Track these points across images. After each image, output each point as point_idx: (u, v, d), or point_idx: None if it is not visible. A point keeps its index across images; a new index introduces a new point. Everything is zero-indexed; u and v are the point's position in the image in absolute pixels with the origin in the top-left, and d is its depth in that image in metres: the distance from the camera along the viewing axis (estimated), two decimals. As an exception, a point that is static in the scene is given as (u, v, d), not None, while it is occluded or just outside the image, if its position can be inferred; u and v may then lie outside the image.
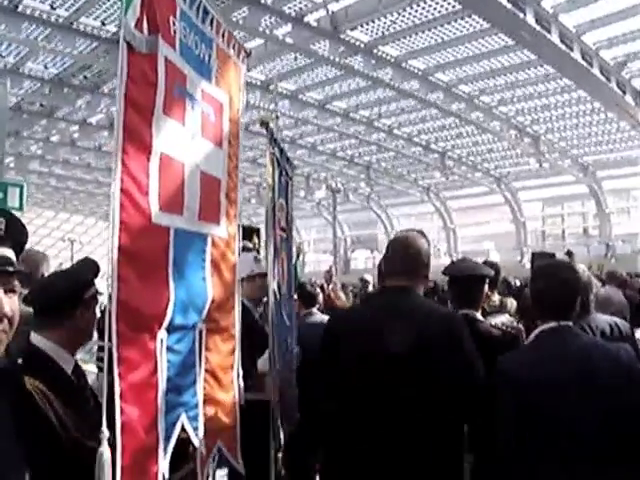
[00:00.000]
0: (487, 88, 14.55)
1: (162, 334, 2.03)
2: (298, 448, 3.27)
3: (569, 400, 2.25)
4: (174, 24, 2.12)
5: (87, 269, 2.12)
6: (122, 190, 1.80)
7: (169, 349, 2.09)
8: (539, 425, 2.27)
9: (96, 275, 2.11)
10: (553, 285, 2.54)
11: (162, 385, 2.02)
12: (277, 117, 3.12)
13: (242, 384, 2.70)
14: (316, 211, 29.23)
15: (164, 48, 2.03)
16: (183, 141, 2.19)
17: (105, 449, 1.69)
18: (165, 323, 2.03)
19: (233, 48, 2.70)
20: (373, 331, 2.43)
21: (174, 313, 2.07)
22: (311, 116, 16.78)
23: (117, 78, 1.81)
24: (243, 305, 2.86)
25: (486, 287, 3.32)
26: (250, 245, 4.47)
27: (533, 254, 8.53)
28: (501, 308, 4.71)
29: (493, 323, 3.63)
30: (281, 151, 2.98)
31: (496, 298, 4.78)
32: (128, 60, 1.83)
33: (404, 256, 2.58)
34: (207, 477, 2.54)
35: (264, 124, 2.68)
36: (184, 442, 2.35)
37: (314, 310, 4.75)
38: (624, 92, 13.18)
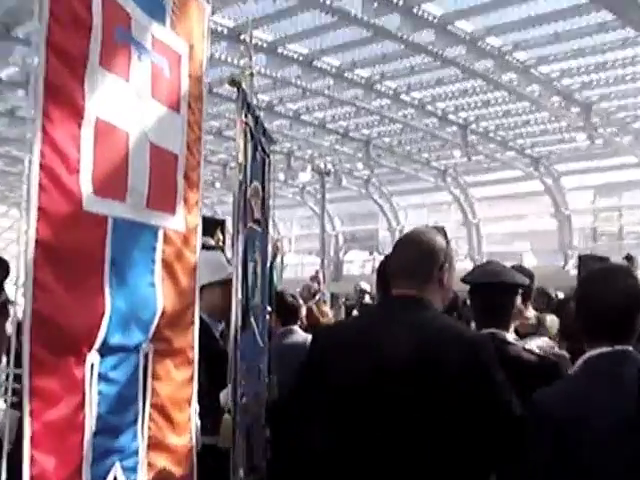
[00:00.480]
0: (523, 42, 14.53)
1: (93, 357, 2.00)
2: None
3: (623, 451, 2.25)
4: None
5: None
6: (42, 167, 1.76)
7: (102, 377, 2.05)
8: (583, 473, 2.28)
9: (4, 279, 2.07)
10: (607, 298, 2.54)
11: (91, 425, 1.99)
12: (252, 75, 3.07)
13: (199, 424, 2.68)
14: (299, 199, 29.18)
15: (100, -22, 1.99)
16: (127, 103, 2.15)
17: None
18: (97, 343, 2.00)
19: (193, -20, 2.67)
20: (368, 357, 2.42)
21: (110, 330, 2.04)
22: (294, 76, 16.71)
23: (35, 18, 1.77)
24: (201, 321, 2.83)
25: (519, 300, 3.32)
26: (212, 242, 4.42)
27: (580, 258, 8.56)
28: (538, 328, 4.71)
29: (527, 347, 3.65)
30: (256, 120, 2.94)
31: (531, 315, 4.78)
32: (51, -6, 1.79)
33: (415, 257, 2.56)
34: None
35: (235, 84, 2.64)
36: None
37: (295, 328, 4.75)
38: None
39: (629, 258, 5.35)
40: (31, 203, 1.73)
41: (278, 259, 7.29)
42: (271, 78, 16.78)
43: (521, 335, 4.12)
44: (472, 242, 28.05)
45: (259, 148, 3.01)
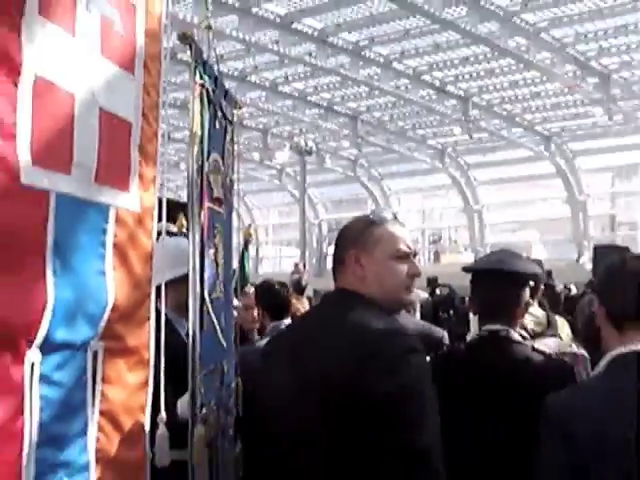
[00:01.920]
0: (533, 1, 14.62)
1: (34, 355, 1.95)
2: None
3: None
4: None
5: None
6: (-29, 132, 1.73)
7: (44, 379, 2.01)
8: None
9: None
10: (629, 291, 2.54)
11: (31, 434, 1.96)
12: (209, 27, 3.01)
13: (167, 435, 2.65)
14: (277, 183, 29.19)
15: None
16: (72, 60, 2.11)
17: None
18: (38, 339, 1.96)
19: None
20: (295, 363, 2.50)
21: (53, 324, 2.00)
22: (270, 40, 16.68)
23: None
24: (166, 318, 2.80)
25: (527, 293, 3.32)
26: (174, 228, 4.36)
27: (596, 249, 8.61)
28: (549, 327, 4.71)
29: (537, 346, 3.66)
30: (215, 81, 2.90)
31: (540, 313, 4.77)
32: None
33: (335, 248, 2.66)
34: None
35: (186, 38, 2.60)
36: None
37: (286, 322, 4.75)
38: None
39: (624, 249, 5.31)
40: (-43, 174, 1.70)
41: (250, 248, 7.27)
42: (243, 42, 16.73)
43: (531, 336, 4.14)
44: (474, 231, 28.23)
45: (219, 114, 2.96)
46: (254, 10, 14.94)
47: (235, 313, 4.29)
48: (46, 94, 1.97)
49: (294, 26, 15.72)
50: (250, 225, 9.75)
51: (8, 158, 1.83)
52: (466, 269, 3.41)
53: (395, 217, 2.79)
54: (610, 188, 27.69)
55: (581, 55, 16.97)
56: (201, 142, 2.68)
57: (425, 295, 11.69)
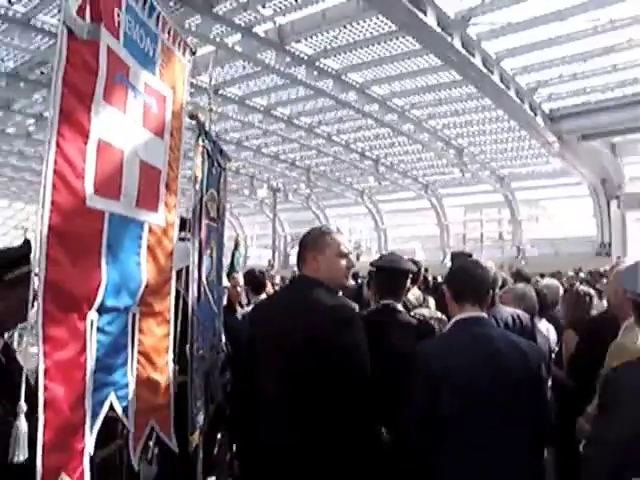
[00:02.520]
0: (418, 103, 14.77)
1: (92, 315, 1.91)
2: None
3: (477, 383, 2.26)
4: (119, 15, 2.00)
5: (14, 250, 1.98)
6: (55, 172, 1.67)
7: (100, 330, 1.96)
8: (449, 407, 2.26)
9: (26, 255, 1.97)
10: (468, 280, 2.56)
11: (91, 364, 1.90)
12: (211, 110, 2.98)
13: (176, 367, 2.59)
14: (259, 209, 29.01)
15: (107, 37, 1.90)
16: (123, 129, 2.07)
17: (21, 423, 1.59)
18: (96, 305, 1.91)
19: (178, 45, 2.58)
20: (274, 321, 2.43)
21: (105, 295, 1.95)
22: (256, 120, 16.61)
23: (55, 61, 1.68)
24: (179, 293, 2.76)
25: (408, 281, 3.31)
26: (189, 236, 4.30)
27: (452, 254, 8.66)
28: (423, 303, 4.74)
29: (415, 314, 3.66)
30: (214, 143, 2.85)
31: (418, 293, 4.81)
32: (68, 45, 1.70)
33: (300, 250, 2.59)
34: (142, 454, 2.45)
35: (193, 117, 2.56)
36: (113, 420, 2.24)
37: (262, 297, 4.71)
38: (535, 114, 13.67)
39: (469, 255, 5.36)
40: (45, 197, 1.64)
41: (239, 249, 7.21)
42: (240, 122, 16.68)
43: (412, 307, 4.13)
44: (381, 242, 28.34)
45: (215, 164, 2.90)
46: (246, 101, 14.87)
47: (225, 290, 4.24)
48: (105, 150, 1.93)
49: (271, 112, 15.72)
50: (238, 235, 9.62)
51: (78, 189, 1.79)
52: (372, 264, 3.39)
53: (338, 230, 2.80)
54: (463, 217, 28.01)
55: (446, 136, 17.21)
56: (201, 182, 2.64)
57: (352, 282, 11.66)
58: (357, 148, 19.38)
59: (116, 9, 1.96)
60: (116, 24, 1.96)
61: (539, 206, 25.37)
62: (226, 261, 5.06)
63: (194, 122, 2.58)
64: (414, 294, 4.62)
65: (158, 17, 2.31)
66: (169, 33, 2.44)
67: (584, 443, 2.37)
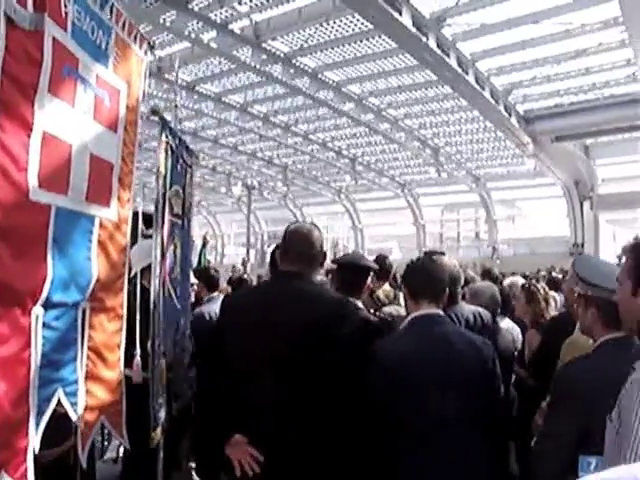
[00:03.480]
0: (394, 102, 14.81)
1: (38, 310, 1.88)
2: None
3: (430, 378, 2.28)
4: (66, 6, 1.97)
5: None
6: (-5, 164, 1.65)
7: (46, 325, 1.94)
8: (403, 404, 2.28)
9: None
10: (424, 277, 2.58)
11: (36, 360, 1.88)
12: (176, 106, 2.96)
13: (140, 362, 2.57)
14: (236, 207, 28.86)
15: (52, 28, 1.87)
16: (71, 122, 2.04)
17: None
18: (41, 300, 1.88)
19: (134, 38, 2.55)
20: (262, 314, 2.37)
21: (52, 290, 1.93)
22: (233, 118, 16.52)
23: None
24: (144, 288, 2.74)
25: (369, 279, 3.31)
26: (151, 232, 4.27)
27: (425, 253, 8.73)
28: (394, 299, 4.75)
29: (384, 312, 3.67)
30: (179, 140, 2.83)
31: (389, 289, 4.81)
32: (7, 34, 1.67)
33: (303, 245, 2.50)
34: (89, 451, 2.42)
35: (156, 113, 2.54)
36: (67, 418, 2.22)
37: (215, 294, 4.64)
38: (510, 115, 13.81)
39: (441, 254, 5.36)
40: (-16, 192, 1.62)
41: (207, 246, 7.20)
42: (216, 119, 16.58)
43: (383, 304, 4.13)
44: (358, 241, 28.39)
45: (180, 161, 2.88)
46: (223, 98, 14.78)
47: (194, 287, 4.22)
48: (50, 143, 1.90)
49: (248, 110, 15.61)
50: (207, 232, 9.56)
51: (21, 183, 1.77)
52: (333, 262, 3.40)
53: (316, 226, 2.77)
54: (440, 217, 28.18)
55: (422, 136, 17.31)
56: (164, 178, 2.62)
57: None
58: (334, 147, 19.38)
59: (62, -1, 1.93)
60: (63, 14, 1.93)
61: (515, 206, 25.66)
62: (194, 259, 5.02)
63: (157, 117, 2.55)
64: (384, 290, 4.63)
65: (112, 9, 2.28)
66: (124, 26, 2.41)
67: (535, 439, 2.40)
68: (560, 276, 7.35)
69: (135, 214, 2.67)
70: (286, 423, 2.23)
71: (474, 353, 2.37)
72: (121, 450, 4.68)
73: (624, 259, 1.65)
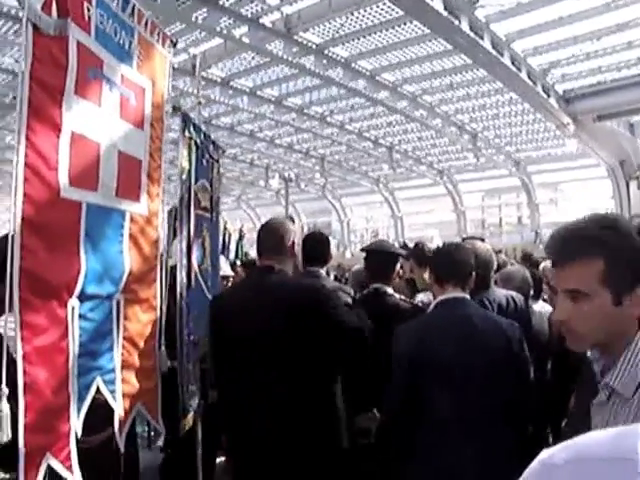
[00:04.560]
0: (429, 88, 14.60)
1: (73, 302, 1.98)
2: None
3: (454, 362, 2.30)
4: (89, 10, 2.05)
5: None
6: (26, 164, 1.74)
7: (82, 317, 2.04)
8: (426, 387, 2.30)
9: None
10: (448, 262, 2.59)
11: (74, 349, 1.98)
12: (200, 103, 3.03)
13: (164, 352, 2.66)
14: (275, 200, 29.05)
15: (76, 32, 1.96)
16: (98, 121, 2.13)
17: (3, 405, 1.66)
18: (76, 292, 1.98)
19: (157, 36, 2.63)
20: (243, 308, 2.47)
21: (86, 283, 2.02)
22: (268, 111, 16.60)
23: (22, 58, 1.74)
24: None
25: (398, 265, 3.33)
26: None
27: (463, 239, 8.63)
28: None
29: (417, 299, 3.67)
30: (204, 134, 2.89)
31: (427, 276, 4.79)
32: (34, 41, 1.76)
33: (271, 239, 2.61)
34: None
35: (176, 109, 2.61)
36: (107, 406, 2.32)
37: None
38: (548, 95, 13.43)
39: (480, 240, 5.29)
40: (17, 189, 1.71)
41: (243, 239, 7.29)
42: (252, 113, 16.70)
43: (419, 290, 4.13)
44: (397, 230, 28.19)
45: (206, 155, 2.94)
46: (257, 93, 14.86)
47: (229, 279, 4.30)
48: (79, 143, 1.99)
49: (283, 102, 15.65)
50: (242, 225, 9.69)
51: (51, 181, 1.86)
52: (362, 250, 3.43)
53: (292, 219, 2.88)
54: (480, 203, 27.74)
55: (459, 121, 17.03)
56: (189, 172, 2.69)
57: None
58: (370, 136, 19.25)
59: (85, 3, 2.01)
60: (86, 18, 2.01)
61: (557, 189, 25.05)
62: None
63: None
64: (424, 277, 4.62)
65: (133, 10, 2.36)
66: (146, 25, 2.48)
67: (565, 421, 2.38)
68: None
69: (174, 210, 2.76)
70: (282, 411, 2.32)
71: (499, 335, 2.37)
72: (160, 440, 4.83)
73: (571, 263, 1.29)
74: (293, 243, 2.58)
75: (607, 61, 12.85)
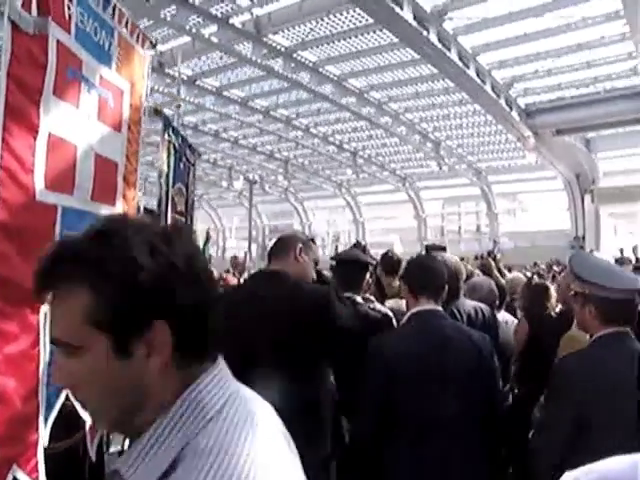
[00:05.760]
0: (395, 96, 14.81)
1: (46, 308, 1.92)
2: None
3: (428, 373, 2.32)
4: (69, 8, 2.00)
5: None
6: (2, 167, 1.68)
7: (53, 323, 1.98)
8: (401, 397, 2.32)
9: None
10: (423, 274, 2.61)
11: (44, 357, 1.92)
12: (179, 106, 2.99)
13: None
14: (238, 201, 28.88)
15: (56, 31, 1.91)
16: (76, 123, 2.07)
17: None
18: (49, 298, 1.92)
19: (137, 37, 2.58)
20: (249, 310, 2.44)
21: (58, 288, 1.97)
22: (234, 112, 16.52)
23: (2, 56, 1.68)
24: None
25: (367, 274, 3.34)
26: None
27: (426, 247, 8.75)
28: (399, 293, 4.77)
29: (386, 306, 3.70)
30: (182, 138, 2.86)
31: (396, 284, 4.83)
32: (13, 39, 1.70)
33: (279, 245, 2.64)
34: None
35: (157, 112, 2.57)
36: (76, 411, 2.26)
37: None
38: (511, 108, 13.80)
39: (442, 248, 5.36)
40: (-9, 194, 1.66)
41: (209, 242, 7.23)
42: (217, 113, 16.59)
43: (387, 297, 4.16)
44: (359, 235, 28.34)
45: (184, 159, 2.91)
46: (224, 93, 14.77)
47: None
48: (56, 145, 1.94)
49: (249, 104, 15.62)
50: (209, 228, 9.61)
51: (27, 184, 1.80)
52: (331, 258, 3.43)
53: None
54: (441, 210, 28.16)
55: (423, 130, 17.31)
56: (167, 176, 2.65)
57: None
58: (335, 140, 19.36)
59: (66, 2, 1.96)
60: (66, 17, 1.96)
61: (516, 199, 25.66)
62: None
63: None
64: (393, 285, 4.64)
65: (114, 10, 2.31)
66: (127, 26, 2.44)
67: (532, 432, 2.44)
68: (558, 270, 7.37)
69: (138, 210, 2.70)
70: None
71: (471, 347, 2.41)
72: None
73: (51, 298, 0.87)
74: (301, 250, 2.59)
75: (567, 78, 13.28)
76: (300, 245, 2.61)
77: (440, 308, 2.59)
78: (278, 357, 2.35)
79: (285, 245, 2.64)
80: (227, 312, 2.51)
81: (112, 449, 5.19)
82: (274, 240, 2.73)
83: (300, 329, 2.33)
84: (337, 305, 2.49)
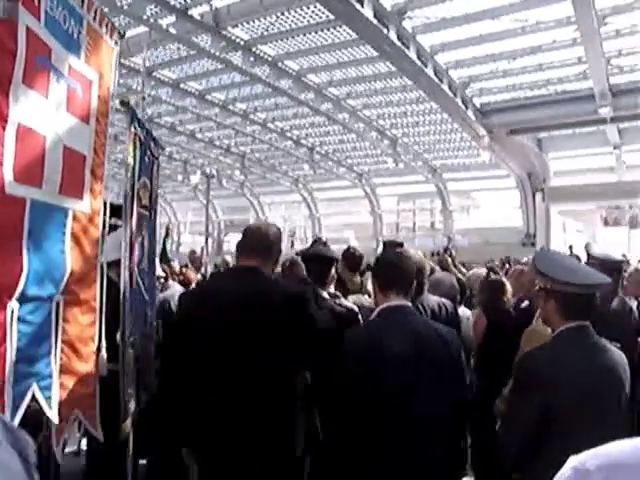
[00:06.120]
0: (353, 92, 14.87)
1: (13, 305, 1.86)
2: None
3: (398, 369, 2.35)
4: (39, -6, 1.94)
5: None
6: (-31, 158, 1.62)
7: (21, 320, 1.92)
8: (370, 399, 2.34)
9: None
10: (393, 270, 2.65)
11: (11, 355, 1.86)
12: (144, 98, 2.93)
13: (105, 355, 2.55)
14: (193, 195, 28.47)
15: (26, 16, 1.84)
16: (45, 113, 2.01)
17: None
18: (16, 294, 1.86)
19: (105, 27, 2.52)
20: (223, 306, 2.43)
21: (27, 284, 1.91)
22: (191, 105, 16.27)
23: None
24: (115, 283, 2.71)
25: (333, 269, 3.37)
26: (120, 222, 4.23)
27: (384, 242, 8.86)
28: (361, 288, 4.82)
29: (349, 300, 3.73)
30: (147, 131, 2.81)
31: (358, 279, 4.87)
32: (-18, 25, 1.64)
33: (257, 240, 2.59)
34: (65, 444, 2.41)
35: (124, 104, 2.51)
36: (38, 412, 2.20)
37: (171, 282, 4.90)
38: (467, 107, 14.07)
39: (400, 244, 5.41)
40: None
41: (169, 237, 7.14)
42: (173, 106, 16.30)
43: (350, 293, 4.19)
44: (315, 230, 28.41)
45: (148, 152, 2.86)
46: (181, 85, 14.54)
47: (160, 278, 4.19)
48: (25, 136, 1.87)
49: (206, 97, 15.41)
50: (170, 222, 9.46)
51: (-4, 176, 1.74)
52: (297, 253, 3.45)
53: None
54: (396, 207, 28.47)
55: (380, 127, 17.46)
56: (133, 169, 2.60)
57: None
58: (292, 136, 19.32)
59: (37, -13, 1.89)
60: (36, 3, 1.90)
61: (469, 197, 26.19)
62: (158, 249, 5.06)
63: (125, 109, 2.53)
64: (354, 280, 4.69)
65: (83, -2, 2.25)
66: (95, 14, 2.37)
67: (499, 423, 2.51)
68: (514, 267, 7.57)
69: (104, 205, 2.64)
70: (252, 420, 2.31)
71: (442, 344, 2.46)
72: (83, 443, 4.62)
73: None
74: (279, 249, 2.58)
75: (521, 80, 13.64)
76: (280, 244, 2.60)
77: (409, 303, 2.63)
78: (253, 353, 2.35)
79: (269, 246, 2.60)
80: (200, 306, 2.51)
81: (68, 449, 5.09)
82: (251, 231, 2.64)
83: (275, 326, 2.34)
84: (312, 305, 2.51)
